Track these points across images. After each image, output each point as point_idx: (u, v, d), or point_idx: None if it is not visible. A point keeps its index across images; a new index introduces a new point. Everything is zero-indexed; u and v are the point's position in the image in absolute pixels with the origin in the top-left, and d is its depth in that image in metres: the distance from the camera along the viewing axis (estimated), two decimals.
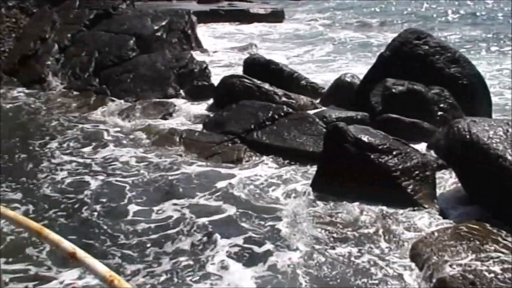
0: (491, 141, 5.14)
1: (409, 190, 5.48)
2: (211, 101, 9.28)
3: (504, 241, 4.51)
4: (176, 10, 13.87)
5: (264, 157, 6.94)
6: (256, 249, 4.82)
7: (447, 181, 6.09)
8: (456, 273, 4.09)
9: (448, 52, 8.04)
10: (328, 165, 5.93)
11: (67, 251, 1.91)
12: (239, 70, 10.27)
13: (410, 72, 7.78)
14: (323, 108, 8.54)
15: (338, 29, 19.61)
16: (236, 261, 4.62)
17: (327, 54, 14.77)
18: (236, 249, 4.82)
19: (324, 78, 10.69)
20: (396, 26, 19.67)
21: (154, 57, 10.83)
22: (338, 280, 4.36)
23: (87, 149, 7.47)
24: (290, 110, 7.80)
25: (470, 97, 7.79)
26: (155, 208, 5.66)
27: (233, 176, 6.44)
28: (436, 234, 4.72)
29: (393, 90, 7.60)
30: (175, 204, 5.74)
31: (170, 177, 6.46)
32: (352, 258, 4.64)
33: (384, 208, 5.36)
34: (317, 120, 7.40)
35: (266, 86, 8.65)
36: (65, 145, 7.63)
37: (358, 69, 11.03)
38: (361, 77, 8.59)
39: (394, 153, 5.72)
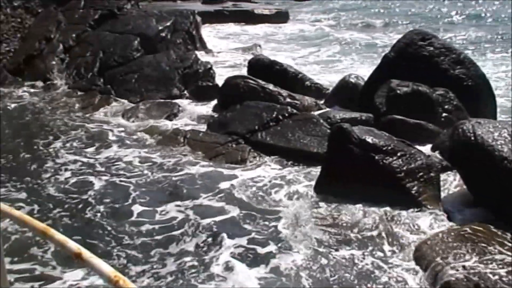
0: (496, 143, 5.13)
1: (413, 192, 5.47)
2: (215, 101, 9.29)
3: (509, 243, 4.50)
4: (180, 11, 13.90)
5: (268, 158, 6.95)
6: (259, 250, 4.83)
7: (451, 182, 6.09)
8: (461, 275, 4.08)
9: (453, 53, 8.03)
10: (332, 166, 5.92)
11: (72, 251, 1.91)
12: (243, 71, 10.29)
13: (414, 73, 7.77)
14: (328, 109, 8.55)
15: (343, 30, 19.61)
16: (240, 263, 4.62)
17: (333, 54, 14.76)
18: (240, 250, 4.83)
19: (329, 79, 10.69)
20: (401, 27, 19.68)
21: (158, 58, 10.86)
22: (342, 283, 4.36)
23: (91, 149, 7.50)
24: (295, 111, 7.80)
25: (475, 98, 7.78)
26: (159, 209, 5.67)
27: (237, 176, 6.44)
28: (440, 236, 4.71)
29: (398, 91, 7.58)
30: (179, 205, 5.76)
31: (174, 178, 6.47)
32: (356, 261, 4.63)
33: (388, 209, 5.35)
34: (321, 121, 7.40)
35: (271, 86, 8.65)
36: (69, 145, 7.65)
37: (363, 70, 11.02)
38: (366, 78, 8.58)
39: (399, 154, 5.71)
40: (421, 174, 5.63)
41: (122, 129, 8.35)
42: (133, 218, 5.50)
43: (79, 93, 10.28)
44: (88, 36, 12.18)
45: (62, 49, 11.74)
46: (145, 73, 10.42)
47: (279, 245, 4.88)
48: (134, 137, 7.98)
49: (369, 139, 5.77)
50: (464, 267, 4.19)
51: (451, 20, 21.81)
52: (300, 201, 5.74)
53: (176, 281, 4.41)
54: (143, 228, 5.28)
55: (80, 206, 5.77)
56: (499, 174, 5.01)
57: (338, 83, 9.20)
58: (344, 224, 5.20)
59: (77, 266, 4.33)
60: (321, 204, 5.59)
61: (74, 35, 12.10)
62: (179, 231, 5.20)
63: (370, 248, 4.82)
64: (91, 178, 6.50)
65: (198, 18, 14.03)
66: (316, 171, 6.31)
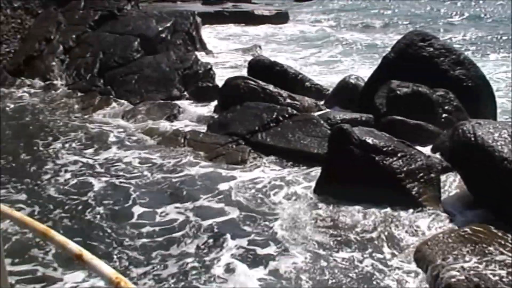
0: (496, 144, 5.13)
1: (413, 193, 5.48)
2: (215, 102, 9.28)
3: (509, 244, 4.50)
4: (180, 12, 13.89)
5: (268, 159, 6.94)
6: (260, 252, 4.83)
7: (451, 183, 6.09)
8: (461, 276, 4.08)
9: (453, 54, 8.03)
10: (333, 167, 5.92)
11: (73, 253, 1.91)
12: (243, 72, 10.28)
13: (414, 74, 7.77)
14: (328, 109, 8.55)
15: (344, 30, 19.59)
16: (241, 264, 4.62)
17: (335, 55, 14.75)
18: (241, 251, 4.83)
19: (330, 80, 10.68)
20: (401, 28, 19.67)
21: (158, 58, 10.86)
22: (342, 284, 4.35)
23: (91, 150, 7.49)
24: (295, 111, 7.80)
25: (475, 99, 7.78)
26: (159, 210, 5.67)
27: (237, 177, 6.44)
28: (440, 236, 4.71)
29: (398, 92, 7.58)
30: (179, 206, 5.75)
31: (174, 179, 6.47)
32: (356, 262, 4.63)
33: (388, 210, 5.36)
34: (321, 121, 7.40)
35: (271, 87, 8.65)
36: (69, 145, 7.65)
37: (364, 70, 11.02)
38: (366, 78, 8.58)
39: (399, 155, 5.72)
40: (421, 175, 5.63)
41: (122, 130, 8.35)
42: (133, 220, 5.50)
43: (79, 94, 10.27)
44: (88, 37, 12.18)
45: (62, 50, 11.74)
46: (145, 74, 10.41)
47: (279, 246, 4.88)
48: (134, 138, 7.98)
49: (369, 140, 5.77)
50: (464, 267, 4.19)
51: (451, 20, 21.79)
52: (300, 202, 5.73)
53: (177, 282, 4.41)
54: (144, 229, 5.28)
55: (80, 207, 5.76)
56: (499, 174, 5.01)
57: (338, 84, 9.19)
58: (344, 225, 5.20)
59: (78, 268, 4.32)
60: (321, 205, 5.59)
61: (74, 36, 12.10)
62: (179, 233, 5.19)
63: (370, 249, 4.82)
64: (91, 179, 6.50)
65: (198, 19, 14.02)
66: (316, 172, 6.30)
